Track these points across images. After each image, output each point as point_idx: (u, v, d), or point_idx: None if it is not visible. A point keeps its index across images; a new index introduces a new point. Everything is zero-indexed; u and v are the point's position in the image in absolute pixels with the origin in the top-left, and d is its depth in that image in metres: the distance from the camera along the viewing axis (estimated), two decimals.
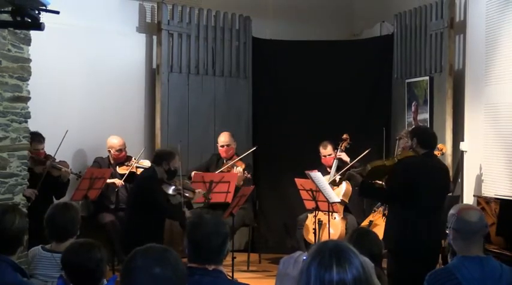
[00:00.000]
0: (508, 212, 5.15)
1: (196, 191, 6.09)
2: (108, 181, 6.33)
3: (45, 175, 5.65)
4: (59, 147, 5.85)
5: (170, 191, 5.96)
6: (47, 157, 5.86)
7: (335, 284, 1.69)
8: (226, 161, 6.95)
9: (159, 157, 5.81)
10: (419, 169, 4.69)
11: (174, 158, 5.75)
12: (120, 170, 6.59)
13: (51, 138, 5.92)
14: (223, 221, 2.85)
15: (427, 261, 4.48)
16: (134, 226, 5.56)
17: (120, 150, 6.62)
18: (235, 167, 6.79)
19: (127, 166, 6.59)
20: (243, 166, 6.81)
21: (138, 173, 6.39)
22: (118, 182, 6.50)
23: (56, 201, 5.75)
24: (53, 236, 3.56)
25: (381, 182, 5.15)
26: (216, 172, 6.70)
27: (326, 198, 5.94)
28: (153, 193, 5.64)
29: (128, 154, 6.68)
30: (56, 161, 5.89)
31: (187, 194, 6.05)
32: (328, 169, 6.70)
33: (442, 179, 4.81)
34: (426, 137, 4.84)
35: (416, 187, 4.60)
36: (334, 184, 6.30)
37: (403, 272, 4.55)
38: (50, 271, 3.44)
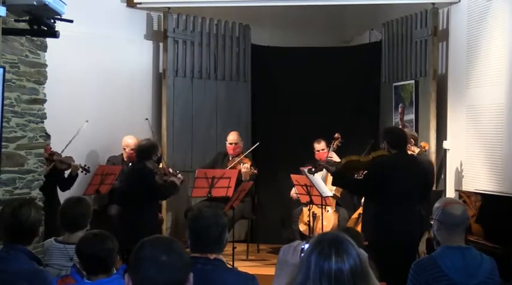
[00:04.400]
0: (490, 206, 5.16)
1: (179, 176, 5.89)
2: None
3: (51, 169, 5.52)
4: (75, 136, 5.95)
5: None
6: (53, 153, 5.79)
7: (333, 272, 1.69)
8: (232, 158, 6.93)
9: (147, 152, 5.65)
10: (388, 166, 4.74)
11: (158, 149, 5.79)
12: None
13: (66, 137, 5.92)
14: (221, 213, 2.85)
15: (404, 252, 4.46)
16: (136, 217, 5.41)
17: (134, 149, 6.61)
18: (242, 164, 6.77)
19: None
20: (250, 163, 6.80)
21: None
22: None
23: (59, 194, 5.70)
24: (64, 227, 3.58)
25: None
26: (228, 168, 6.66)
27: (319, 192, 5.93)
28: (152, 180, 5.58)
29: None
30: (62, 156, 5.78)
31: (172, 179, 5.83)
32: None
33: (414, 174, 4.80)
34: (394, 138, 4.89)
35: (385, 182, 4.64)
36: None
37: (383, 263, 4.53)
38: (62, 261, 3.46)
